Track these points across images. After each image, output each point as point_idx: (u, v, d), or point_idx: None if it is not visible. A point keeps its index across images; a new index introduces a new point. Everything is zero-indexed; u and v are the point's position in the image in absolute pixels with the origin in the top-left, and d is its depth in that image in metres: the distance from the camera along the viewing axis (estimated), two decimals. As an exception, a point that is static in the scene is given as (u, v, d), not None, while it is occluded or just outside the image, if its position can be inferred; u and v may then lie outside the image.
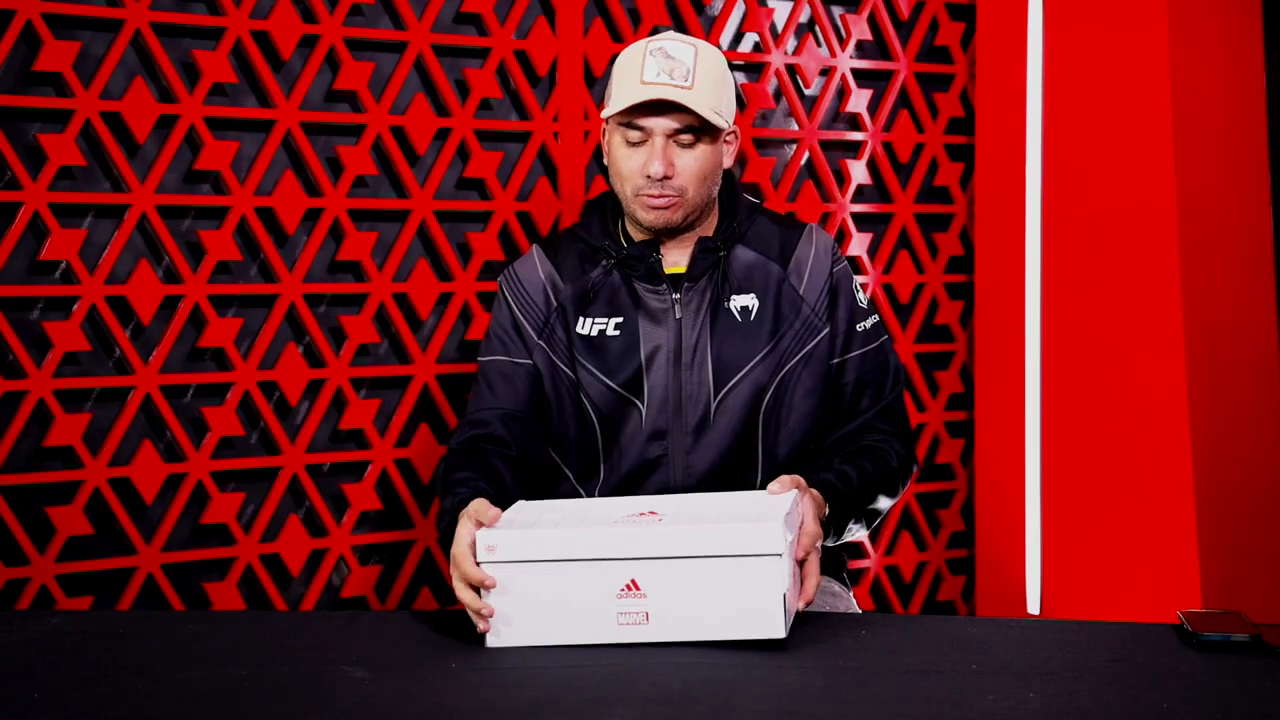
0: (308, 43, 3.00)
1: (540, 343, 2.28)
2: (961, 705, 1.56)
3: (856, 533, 2.21)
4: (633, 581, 1.78)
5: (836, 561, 2.39)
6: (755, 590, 1.77)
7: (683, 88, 2.16)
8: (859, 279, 2.36)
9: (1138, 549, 3.24)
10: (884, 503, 2.23)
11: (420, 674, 1.72)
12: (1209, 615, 1.80)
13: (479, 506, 1.92)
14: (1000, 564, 3.52)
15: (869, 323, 2.30)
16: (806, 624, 1.88)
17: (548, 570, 1.79)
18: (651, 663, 1.72)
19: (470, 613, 1.85)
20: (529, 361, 2.28)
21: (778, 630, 1.77)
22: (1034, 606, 3.43)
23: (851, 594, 2.37)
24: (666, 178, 2.17)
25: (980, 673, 1.68)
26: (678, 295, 2.25)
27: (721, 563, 1.76)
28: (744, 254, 2.27)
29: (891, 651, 1.79)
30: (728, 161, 2.27)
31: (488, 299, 3.15)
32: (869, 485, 2.19)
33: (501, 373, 2.29)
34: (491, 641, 1.80)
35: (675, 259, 2.27)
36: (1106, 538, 3.30)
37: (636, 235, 2.28)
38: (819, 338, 2.27)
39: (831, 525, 2.12)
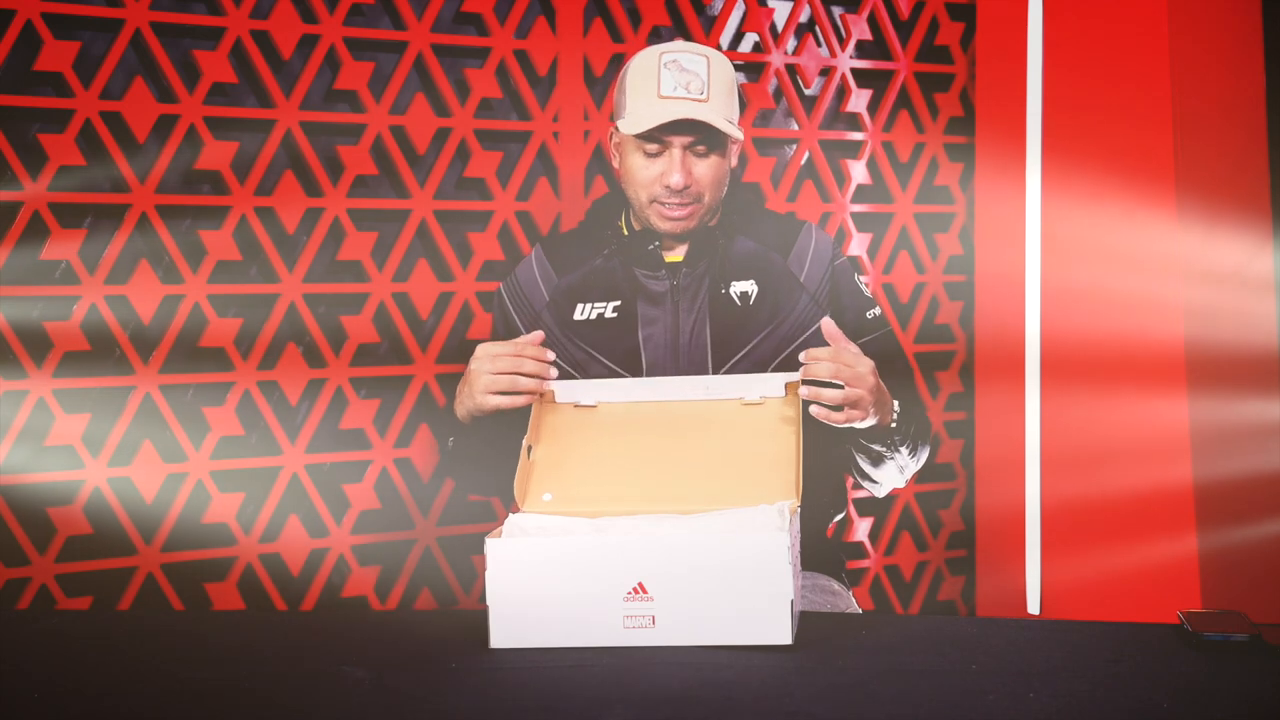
0: (308, 43, 3.00)
1: None
2: (961, 705, 1.56)
3: (897, 453, 2.24)
4: (640, 585, 1.78)
5: (836, 561, 2.40)
6: (762, 596, 1.77)
7: (699, 101, 2.22)
8: (862, 278, 2.39)
9: (1138, 549, 3.24)
10: (923, 451, 2.29)
11: (420, 674, 1.72)
12: (1209, 615, 1.80)
13: None
14: (1000, 564, 3.52)
15: (876, 311, 2.34)
16: (807, 624, 1.88)
17: (555, 571, 1.80)
18: (652, 663, 1.72)
19: (516, 383, 2.08)
20: None
21: (784, 637, 1.77)
22: (1034, 606, 3.43)
23: (851, 594, 2.37)
24: (686, 187, 2.22)
25: (980, 673, 1.68)
26: (676, 281, 2.29)
27: (728, 568, 1.77)
28: (744, 244, 2.33)
29: (891, 651, 1.79)
30: (733, 162, 2.33)
31: (487, 299, 3.15)
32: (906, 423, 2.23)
33: None
34: (496, 642, 1.80)
35: (675, 245, 2.33)
36: (1106, 538, 3.30)
37: (639, 227, 2.33)
38: (819, 324, 2.29)
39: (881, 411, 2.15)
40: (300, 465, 3.00)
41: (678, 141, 2.23)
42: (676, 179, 2.23)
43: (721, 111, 2.23)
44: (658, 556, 1.78)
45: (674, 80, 2.22)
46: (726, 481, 1.99)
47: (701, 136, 2.23)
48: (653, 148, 2.25)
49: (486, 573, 1.81)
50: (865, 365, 2.06)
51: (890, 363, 2.32)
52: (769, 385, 2.06)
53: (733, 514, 1.93)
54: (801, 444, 1.99)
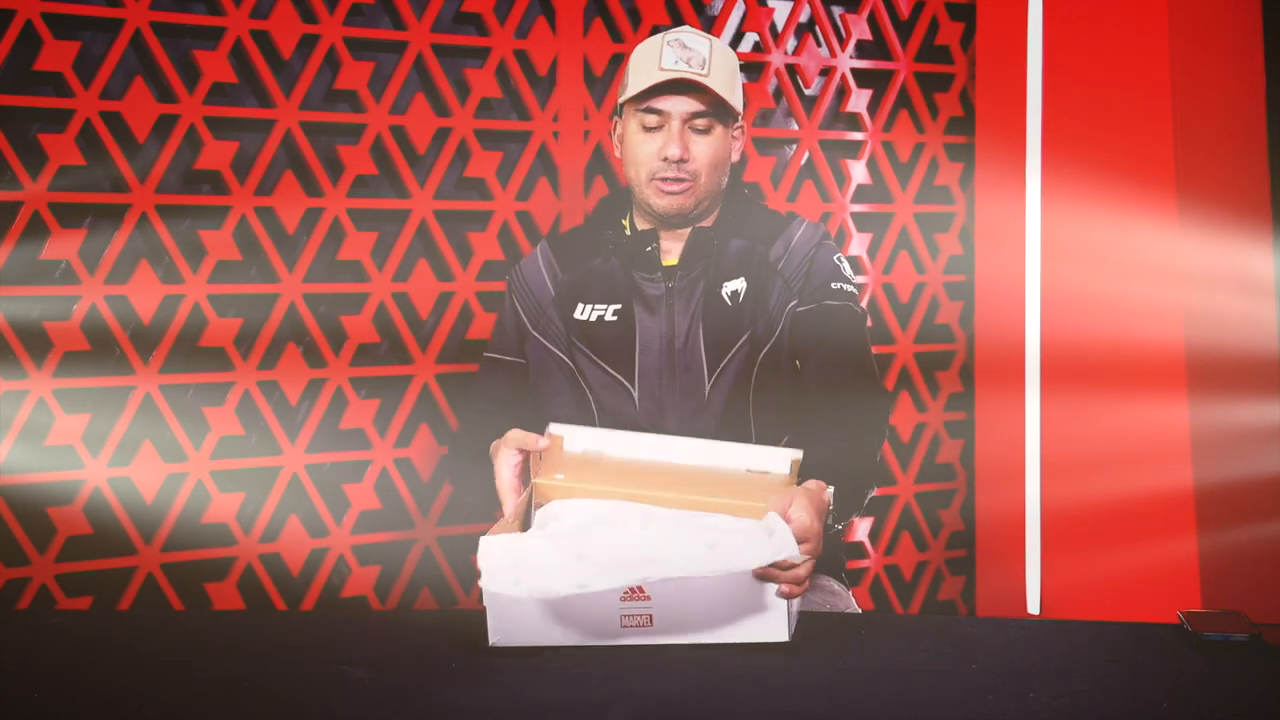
0: (308, 43, 3.00)
1: (535, 333, 2.37)
2: (961, 705, 1.56)
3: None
4: (637, 587, 1.78)
5: (836, 561, 2.40)
6: (760, 596, 1.77)
7: (699, 74, 2.23)
8: (860, 278, 2.38)
9: (1138, 549, 3.24)
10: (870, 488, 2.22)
11: (420, 674, 1.72)
12: (1209, 615, 1.80)
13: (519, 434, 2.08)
14: (1000, 564, 3.52)
15: (846, 286, 2.31)
16: (807, 624, 1.88)
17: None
18: (651, 663, 1.72)
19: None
20: (517, 360, 2.39)
21: (781, 634, 1.77)
22: (1034, 606, 3.43)
23: (851, 594, 2.37)
24: (682, 160, 2.24)
25: (980, 673, 1.68)
26: (672, 284, 2.29)
27: (726, 571, 1.76)
28: (736, 243, 2.34)
29: (891, 651, 1.79)
30: (735, 155, 2.33)
31: (487, 299, 3.15)
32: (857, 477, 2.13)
33: (492, 369, 2.42)
34: (494, 641, 1.80)
35: (672, 248, 2.32)
36: (1106, 538, 3.30)
37: (641, 227, 2.34)
38: (789, 306, 2.30)
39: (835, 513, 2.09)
40: (300, 465, 3.00)
41: (677, 113, 2.25)
42: (674, 150, 2.25)
43: (722, 87, 2.26)
44: (656, 558, 1.77)
45: (675, 55, 2.26)
46: (729, 454, 2.00)
47: (701, 111, 2.25)
48: (652, 120, 2.27)
49: (480, 556, 1.80)
50: (802, 514, 1.86)
51: (846, 343, 2.28)
52: (775, 462, 2.00)
53: (731, 522, 1.90)
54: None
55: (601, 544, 1.79)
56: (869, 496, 2.15)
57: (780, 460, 1.99)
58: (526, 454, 2.08)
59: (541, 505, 1.94)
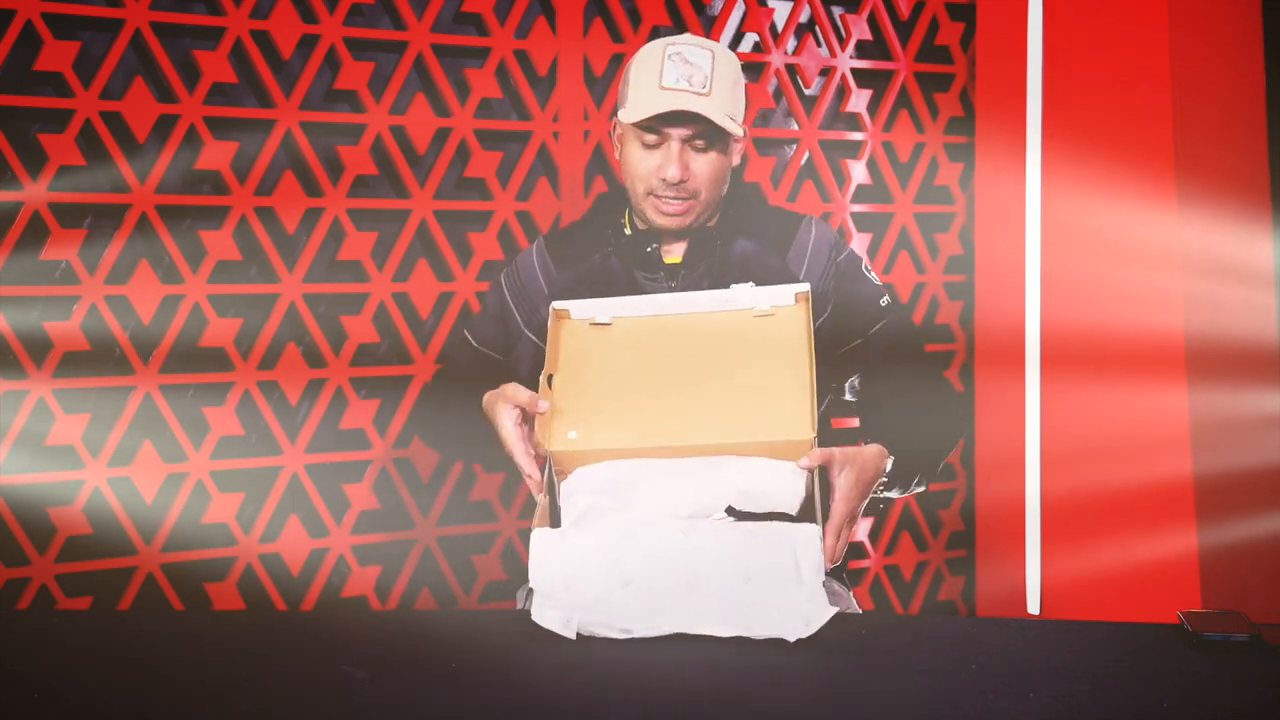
0: (308, 43, 3.00)
1: (529, 333, 2.35)
2: (961, 705, 1.56)
3: (890, 492, 2.25)
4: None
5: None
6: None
7: (701, 95, 2.20)
8: (866, 266, 2.39)
9: (1138, 547, 3.24)
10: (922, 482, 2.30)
11: (420, 674, 1.72)
12: (1209, 615, 1.80)
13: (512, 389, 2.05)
14: (1000, 564, 3.52)
15: (886, 299, 2.34)
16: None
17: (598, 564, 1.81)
18: (652, 662, 1.72)
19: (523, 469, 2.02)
20: (491, 355, 2.38)
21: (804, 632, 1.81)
22: (1034, 606, 3.43)
23: (851, 594, 2.37)
24: (681, 181, 2.21)
25: (980, 673, 1.68)
26: (674, 284, 2.28)
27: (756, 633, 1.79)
28: (742, 245, 2.32)
29: (891, 651, 1.79)
30: (735, 161, 2.31)
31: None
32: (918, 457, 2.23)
33: (467, 357, 2.40)
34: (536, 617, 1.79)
35: (673, 248, 2.31)
36: (1107, 536, 3.30)
37: (641, 226, 2.32)
38: (818, 321, 2.28)
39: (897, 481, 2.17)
40: (300, 465, 3.00)
41: (676, 134, 2.22)
42: (673, 172, 2.21)
43: (723, 107, 2.21)
44: (695, 589, 1.78)
45: (677, 72, 2.21)
46: (745, 416, 1.97)
47: (701, 131, 2.22)
48: (651, 139, 2.23)
49: (530, 560, 1.80)
50: (843, 491, 2.00)
51: (902, 348, 2.31)
52: (779, 295, 2.07)
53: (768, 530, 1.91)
54: (814, 363, 1.99)
55: (643, 560, 1.79)
56: (914, 484, 2.25)
57: (784, 294, 2.06)
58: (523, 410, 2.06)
59: (562, 474, 1.95)
